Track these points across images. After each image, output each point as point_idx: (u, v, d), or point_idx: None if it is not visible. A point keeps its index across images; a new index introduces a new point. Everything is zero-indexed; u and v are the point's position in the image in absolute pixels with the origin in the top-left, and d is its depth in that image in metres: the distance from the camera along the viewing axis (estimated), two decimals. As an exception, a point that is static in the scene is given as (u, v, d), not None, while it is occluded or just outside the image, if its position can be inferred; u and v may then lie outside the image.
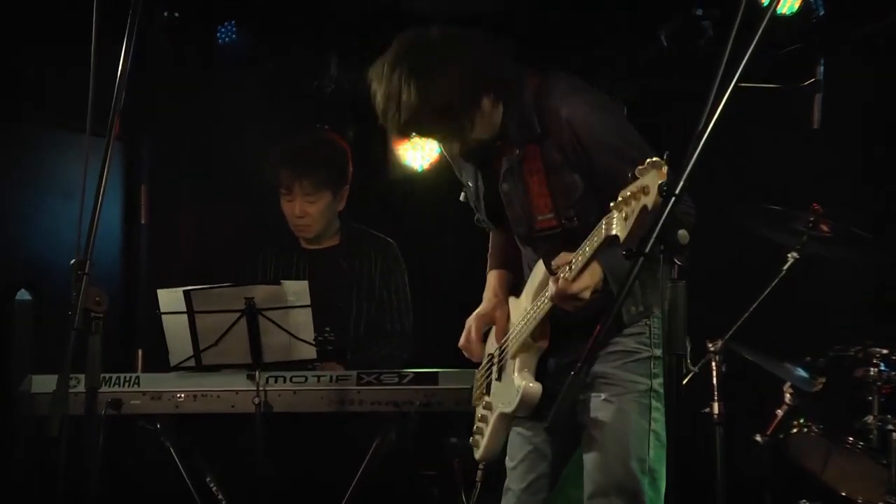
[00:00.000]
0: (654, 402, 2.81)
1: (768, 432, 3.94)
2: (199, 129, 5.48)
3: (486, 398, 3.06)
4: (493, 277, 3.16)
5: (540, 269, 2.88)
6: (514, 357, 2.92)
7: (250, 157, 5.39)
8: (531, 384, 2.86)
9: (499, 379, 3.02)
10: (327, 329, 4.27)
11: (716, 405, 3.76)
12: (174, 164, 5.56)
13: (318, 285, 4.01)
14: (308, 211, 4.44)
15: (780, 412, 3.95)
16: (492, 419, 3.00)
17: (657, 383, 2.81)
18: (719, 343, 3.80)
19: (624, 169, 2.43)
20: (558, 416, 2.08)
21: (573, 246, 2.62)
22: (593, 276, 2.63)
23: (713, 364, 3.79)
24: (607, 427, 2.79)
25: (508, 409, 2.91)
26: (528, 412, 2.89)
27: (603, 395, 2.82)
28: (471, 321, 3.10)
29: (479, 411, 3.10)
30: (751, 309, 3.84)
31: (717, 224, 4.18)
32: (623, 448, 2.79)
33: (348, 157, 4.57)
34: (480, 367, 3.15)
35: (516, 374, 2.88)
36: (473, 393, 3.17)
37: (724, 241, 4.43)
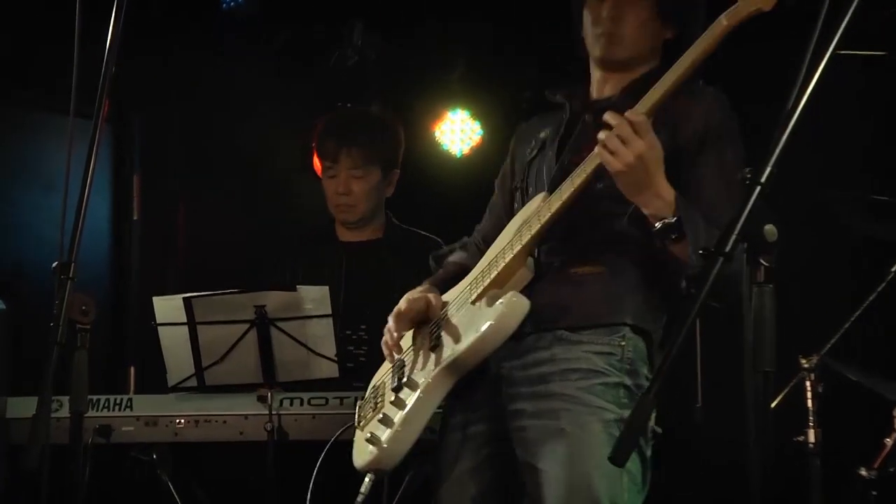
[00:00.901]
0: None
1: (875, 465, 3.91)
2: (200, 109, 5.51)
3: (395, 394, 2.95)
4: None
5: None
6: (478, 299, 2.85)
7: (259, 141, 5.43)
8: (516, 297, 2.75)
9: (433, 348, 2.93)
10: (363, 327, 4.29)
11: (811, 432, 3.73)
12: (171, 150, 5.60)
13: (356, 279, 3.98)
14: (353, 188, 4.46)
15: (889, 441, 3.91)
16: (417, 392, 2.88)
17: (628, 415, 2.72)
18: (814, 359, 3.77)
19: (718, 183, 2.61)
20: (628, 447, 2.00)
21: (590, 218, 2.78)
22: (653, 142, 2.61)
23: (807, 384, 3.76)
24: (568, 463, 2.65)
25: (465, 342, 2.80)
26: (498, 341, 2.77)
27: (561, 423, 2.70)
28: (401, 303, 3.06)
29: (376, 412, 3.00)
30: (852, 318, 3.81)
31: (810, 218, 4.18)
32: (591, 489, 2.65)
33: (401, 137, 4.61)
34: (370, 390, 3.13)
35: (485, 303, 2.79)
36: (357, 419, 3.07)
37: (819, 237, 4.40)
